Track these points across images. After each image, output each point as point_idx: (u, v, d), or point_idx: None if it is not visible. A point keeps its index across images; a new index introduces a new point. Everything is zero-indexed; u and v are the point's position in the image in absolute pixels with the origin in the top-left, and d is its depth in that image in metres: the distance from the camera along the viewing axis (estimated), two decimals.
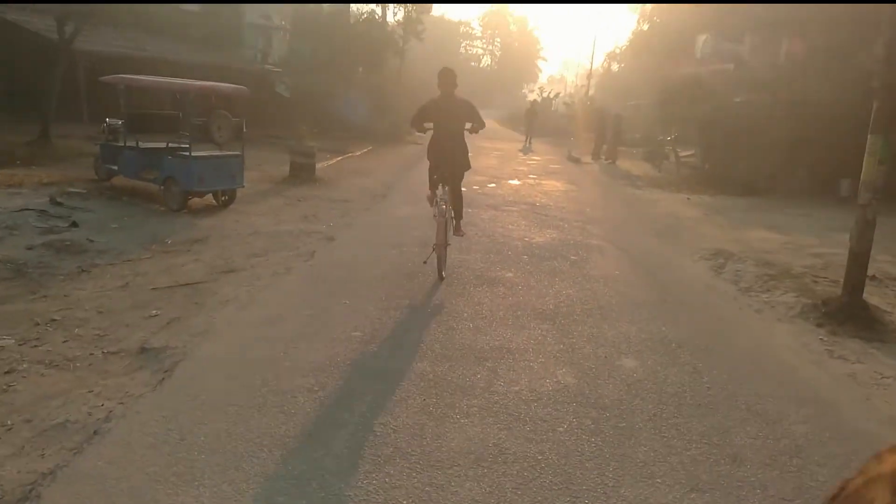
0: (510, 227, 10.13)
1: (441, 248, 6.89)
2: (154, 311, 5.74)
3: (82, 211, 9.14)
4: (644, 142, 26.87)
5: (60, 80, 15.07)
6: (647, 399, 4.43)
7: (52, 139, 15.06)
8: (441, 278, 6.87)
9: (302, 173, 13.74)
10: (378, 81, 30.50)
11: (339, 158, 18.56)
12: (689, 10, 38.56)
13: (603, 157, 23.05)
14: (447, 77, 7.00)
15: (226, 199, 10.57)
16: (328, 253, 7.85)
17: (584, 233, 10.12)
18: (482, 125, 7.27)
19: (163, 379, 4.32)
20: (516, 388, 4.44)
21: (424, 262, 7.01)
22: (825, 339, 5.98)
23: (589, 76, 47.87)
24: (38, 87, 15.35)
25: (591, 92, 49.86)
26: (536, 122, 28.54)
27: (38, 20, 17.58)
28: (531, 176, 17.08)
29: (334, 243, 8.36)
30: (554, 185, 15.66)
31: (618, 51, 57.87)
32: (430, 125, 7.14)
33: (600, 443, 3.81)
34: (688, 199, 14.91)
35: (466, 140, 7.27)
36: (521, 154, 23.45)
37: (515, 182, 15.66)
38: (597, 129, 23.77)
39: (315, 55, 28.53)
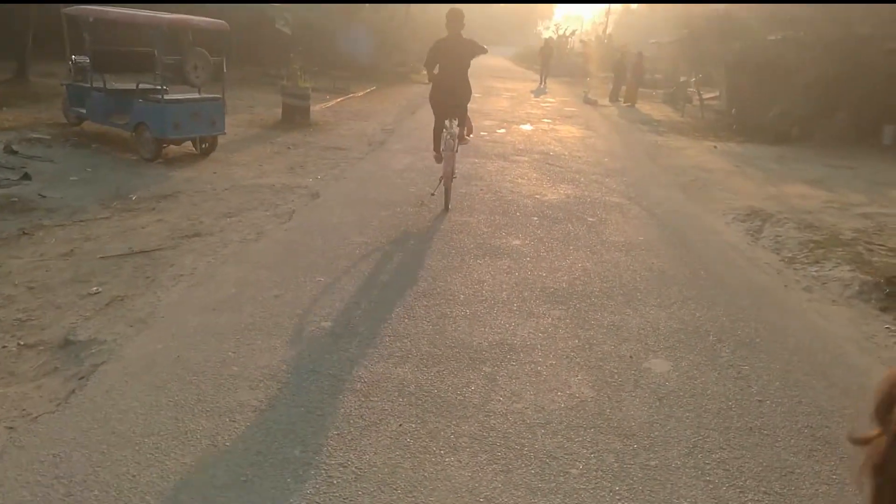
0: (520, 181, 9.05)
1: (448, 179, 7.29)
2: (95, 288, 4.83)
3: (40, 161, 8.15)
4: (665, 83, 25.29)
5: (36, 13, 13.85)
6: (683, 420, 3.48)
7: (29, 78, 13.97)
8: (447, 209, 7.23)
9: (295, 117, 12.61)
10: (385, 16, 28.78)
11: (339, 99, 17.33)
12: None
13: (621, 99, 21.60)
14: (455, 18, 7.24)
15: (206, 147, 9.53)
16: (309, 213, 6.85)
17: (603, 188, 9.02)
18: (484, 51, 7.63)
19: (73, 391, 3.42)
20: (519, 406, 3.50)
21: (432, 194, 7.53)
22: (893, 328, 4.97)
23: (607, 13, 45.45)
24: (14, 22, 14.14)
25: (608, 30, 47.47)
26: (552, 62, 26.84)
27: None
28: (545, 120, 15.82)
29: (318, 201, 7.34)
30: (569, 130, 14.42)
31: None
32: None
33: (626, 493, 2.88)
34: (714, 147, 13.67)
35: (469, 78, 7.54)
36: (534, 95, 22.03)
37: (528, 127, 14.44)
38: (615, 70, 22.21)
39: None
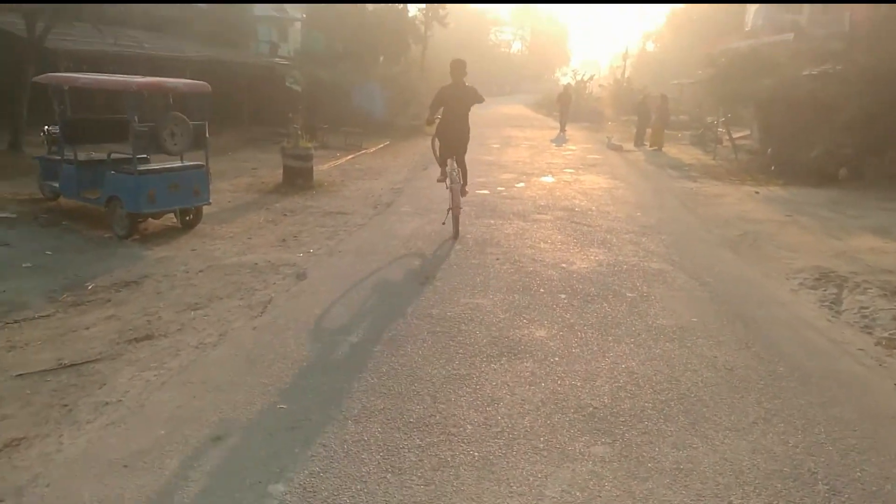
0: (542, 245, 7.81)
1: (456, 209, 8.00)
2: None
3: None
4: (691, 124, 24.13)
5: (30, 83, 13.21)
6: None
7: (23, 149, 13.25)
8: (456, 237, 7.93)
9: (297, 179, 11.62)
10: (399, 70, 28.27)
11: (349, 157, 16.42)
12: None
13: (647, 143, 20.43)
14: (458, 67, 8.06)
15: (190, 219, 8.50)
16: (288, 303, 5.67)
17: (640, 250, 7.74)
18: (481, 100, 8.25)
19: None
20: None
21: (443, 224, 8.17)
22: None
23: (625, 56, 44.79)
24: (10, 92, 13.53)
25: (626, 73, 46.77)
26: (571, 108, 25.86)
27: (10, 17, 15.77)
28: (567, 170, 14.66)
29: (303, 285, 6.17)
30: (595, 181, 13.22)
31: (654, 30, 54.71)
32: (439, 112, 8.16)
33: None
34: (756, 192, 12.35)
35: (470, 122, 8.21)
36: (554, 144, 20.95)
37: (549, 179, 13.27)
38: (639, 113, 21.11)
39: (330, 45, 26.41)
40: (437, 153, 8.37)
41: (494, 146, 19.09)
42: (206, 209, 8.91)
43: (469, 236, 8.10)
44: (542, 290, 6.09)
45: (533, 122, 31.78)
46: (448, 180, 8.05)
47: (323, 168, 14.48)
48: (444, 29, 36.72)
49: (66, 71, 15.67)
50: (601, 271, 6.79)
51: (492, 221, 8.96)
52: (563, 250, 7.60)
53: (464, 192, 8.31)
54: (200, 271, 6.67)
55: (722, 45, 29.01)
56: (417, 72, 30.66)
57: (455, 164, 8.08)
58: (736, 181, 13.95)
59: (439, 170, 8.33)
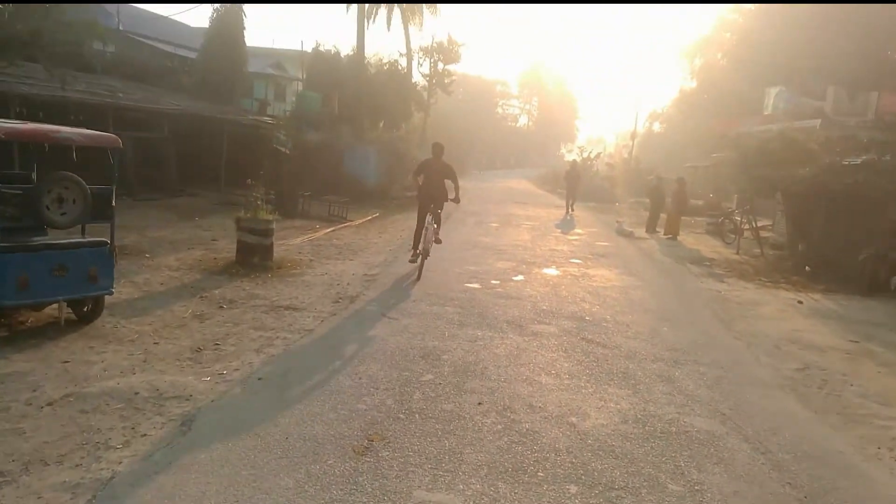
0: (544, 380, 5.74)
1: (426, 253, 9.81)
2: None
3: None
4: (706, 211, 22.40)
5: None
6: None
7: None
8: (418, 278, 9.44)
9: (253, 257, 9.68)
10: (398, 136, 26.87)
11: (328, 230, 14.56)
12: (747, 65, 34.46)
13: (660, 230, 18.62)
14: (437, 149, 10.56)
15: (87, 311, 6.50)
16: (141, 485, 3.58)
17: (675, 393, 5.67)
18: (457, 197, 10.86)
19: None
20: None
21: (409, 261, 10.18)
22: None
23: (633, 135, 43.78)
24: None
25: (633, 152, 45.74)
26: (579, 187, 24.19)
27: None
28: (574, 260, 12.72)
29: (182, 442, 4.09)
30: (606, 276, 11.26)
31: (660, 111, 54.13)
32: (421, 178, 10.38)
33: None
34: (799, 302, 10.36)
35: (447, 188, 10.52)
36: (559, 226, 19.15)
37: (552, 272, 11.32)
38: (653, 197, 19.36)
39: (326, 106, 25.07)
40: (415, 237, 10.24)
41: (493, 225, 17.27)
42: (123, 293, 6.94)
43: (446, 357, 6.06)
44: (540, 474, 4.00)
45: (537, 198, 30.18)
46: (424, 229, 9.94)
47: (294, 242, 12.60)
48: (449, 97, 35.73)
49: (17, 118, 14.00)
50: (627, 434, 4.70)
51: (479, 333, 6.92)
52: (573, 390, 5.53)
53: (437, 239, 10.47)
54: (50, 403, 4.61)
55: (738, 127, 27.78)
56: (418, 139, 29.35)
57: (431, 218, 10.05)
58: (768, 283, 11.99)
59: (420, 249, 9.94)
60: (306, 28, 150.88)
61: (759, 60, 31.11)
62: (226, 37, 22.53)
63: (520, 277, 10.39)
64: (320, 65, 27.70)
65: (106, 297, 6.54)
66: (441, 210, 10.37)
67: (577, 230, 18.08)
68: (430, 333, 6.76)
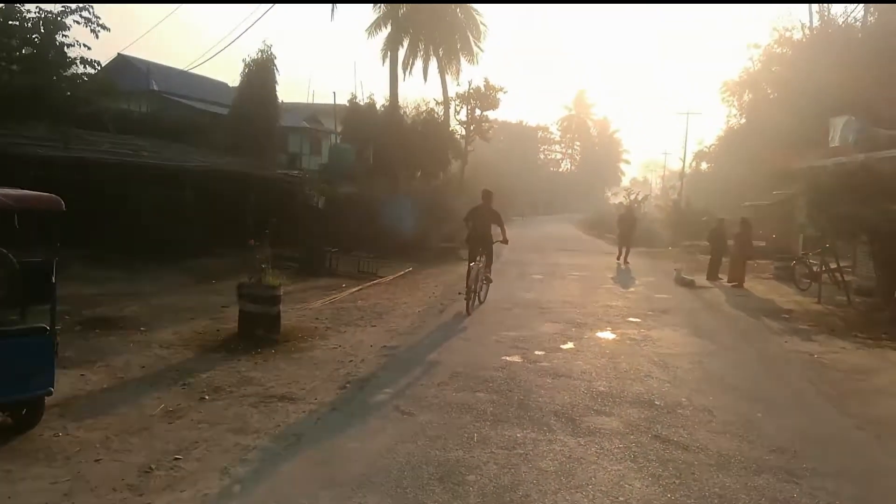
0: None
1: (470, 291, 10.52)
2: None
3: None
4: (773, 253, 20.26)
5: None
6: None
7: None
8: (468, 313, 10.34)
9: (257, 329, 8.30)
10: (436, 186, 25.71)
11: (355, 289, 13.17)
12: (803, 97, 32.42)
13: (723, 277, 16.66)
14: (487, 195, 11.49)
15: (24, 416, 5.14)
16: None
17: None
18: (503, 227, 11.76)
19: None
20: None
21: (459, 294, 11.25)
22: None
23: (681, 175, 41.76)
24: None
25: (682, 192, 43.66)
26: (634, 232, 21.98)
27: None
28: (632, 319, 10.96)
29: None
30: (673, 339, 9.46)
31: (706, 149, 51.92)
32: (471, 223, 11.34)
33: None
34: None
35: (493, 232, 11.61)
36: (612, 276, 17.39)
37: (608, 335, 9.60)
38: (713, 240, 17.44)
39: (360, 158, 24.16)
40: (467, 277, 10.65)
41: (537, 277, 15.65)
42: (90, 383, 5.60)
43: (472, 478, 4.44)
44: None
45: (584, 244, 28.45)
46: (471, 268, 10.63)
47: (314, 306, 11.22)
48: (489, 144, 34.67)
49: (35, 180, 13.17)
50: None
51: (518, 435, 5.27)
52: None
53: (487, 280, 11.44)
54: None
55: (798, 162, 25.69)
56: (455, 188, 28.14)
57: (480, 260, 10.87)
58: (868, 340, 9.98)
59: (464, 304, 10.56)
60: (343, 81, 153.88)
61: (818, 91, 29.11)
62: (257, 90, 21.91)
63: (569, 345, 8.70)
64: (356, 117, 27.01)
65: (67, 394, 5.19)
66: (490, 252, 11.47)
67: (633, 280, 16.26)
68: (452, 437, 5.15)
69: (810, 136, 29.46)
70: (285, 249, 16.75)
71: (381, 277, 14.99)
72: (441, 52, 31.16)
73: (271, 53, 21.86)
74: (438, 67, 31.26)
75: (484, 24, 31.91)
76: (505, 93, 29.46)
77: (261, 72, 22.14)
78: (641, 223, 31.21)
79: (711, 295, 14.50)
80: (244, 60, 21.98)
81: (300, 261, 15.71)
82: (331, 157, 24.52)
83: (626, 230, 20.90)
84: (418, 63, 31.42)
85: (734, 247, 16.16)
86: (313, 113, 29.47)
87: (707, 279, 16.91)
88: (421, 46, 31.39)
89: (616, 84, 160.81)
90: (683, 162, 45.95)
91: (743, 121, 44.16)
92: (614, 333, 9.68)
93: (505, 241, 11.72)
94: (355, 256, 16.40)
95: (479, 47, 31.73)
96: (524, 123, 75.87)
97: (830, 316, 12.16)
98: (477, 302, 10.90)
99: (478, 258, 10.84)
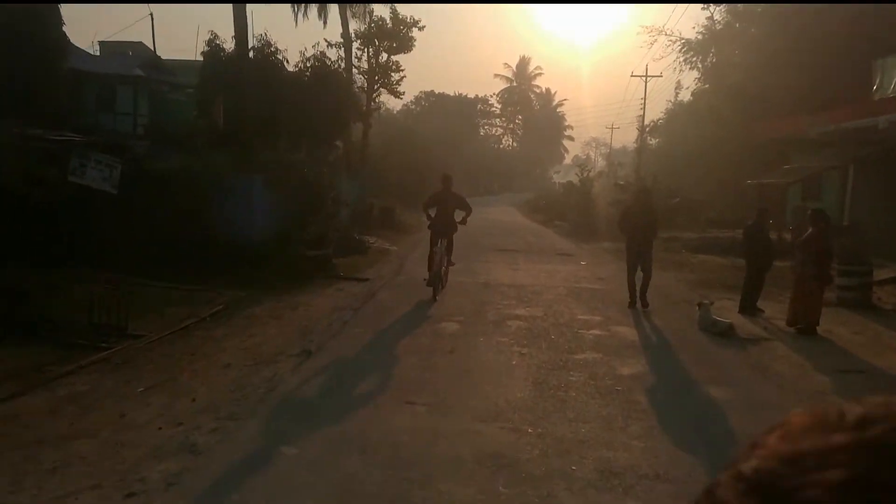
0: None
1: (435, 276, 9.81)
2: None
3: None
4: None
5: None
6: None
7: None
8: (435, 299, 9.57)
9: None
10: (320, 159, 17.72)
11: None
12: (789, 53, 25.77)
13: (763, 309, 9.49)
14: (447, 179, 10.59)
15: None
16: None
17: None
18: (469, 210, 10.67)
19: None
20: None
21: (424, 280, 9.89)
22: None
23: (639, 148, 34.85)
24: None
25: (640, 166, 37.00)
26: (655, 238, 10.43)
27: None
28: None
29: None
30: None
31: (657, 123, 45.40)
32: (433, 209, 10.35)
33: None
34: None
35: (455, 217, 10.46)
36: (583, 313, 9.93)
37: None
38: (751, 247, 9.93)
39: (208, 119, 16.00)
40: (428, 261, 10.21)
41: (446, 335, 7.95)
42: None
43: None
44: None
45: (530, 238, 21.02)
46: (434, 252, 10.12)
47: None
48: (399, 101, 26.75)
49: None
50: None
51: None
52: None
53: (449, 263, 10.66)
54: None
55: (800, 125, 18.94)
56: (357, 159, 20.35)
57: (442, 244, 10.22)
58: None
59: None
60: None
61: (819, 40, 22.46)
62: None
63: None
64: (217, 66, 18.62)
65: None
66: (452, 237, 10.53)
67: (624, 327, 8.69)
68: None
69: (810, 94, 22.88)
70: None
71: (129, 339, 7.11)
72: None
73: None
74: (339, 7, 23.07)
75: None
76: (420, 28, 21.61)
77: None
78: (602, 209, 24.13)
79: (786, 366, 7.14)
80: None
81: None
82: (154, 113, 16.34)
83: (642, 234, 9.91)
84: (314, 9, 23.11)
85: (801, 262, 8.71)
86: (156, 59, 20.82)
87: (740, 312, 9.66)
88: None
89: (561, 55, 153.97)
90: (643, 130, 39.14)
91: (707, 86, 37.68)
92: None
93: (463, 223, 10.69)
94: (139, 283, 8.60)
95: None
96: (465, 96, 68.16)
97: None
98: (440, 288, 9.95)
99: (440, 241, 10.17)
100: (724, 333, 8.20)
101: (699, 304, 8.66)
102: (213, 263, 11.39)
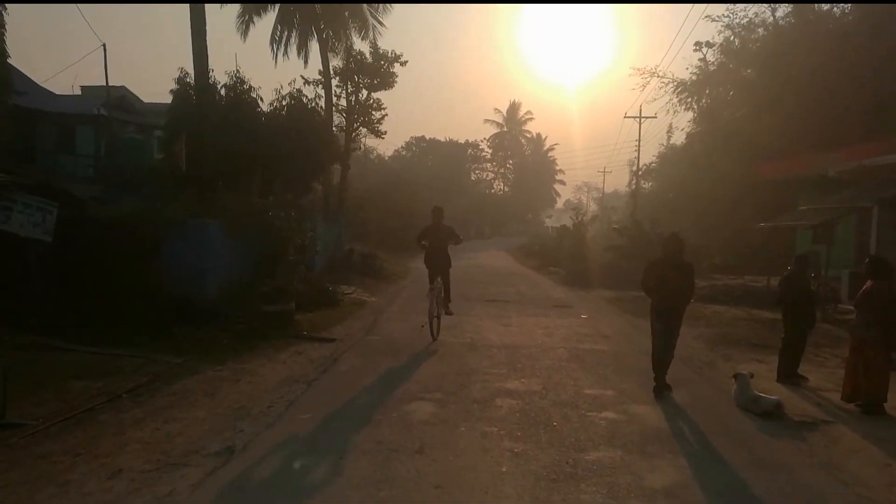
0: None
1: (433, 317, 9.84)
2: None
3: None
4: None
5: None
6: None
7: None
8: (434, 339, 9.74)
9: None
10: (290, 203, 16.11)
11: None
12: (788, 95, 24.67)
13: (805, 376, 7.75)
14: (438, 212, 10.48)
15: None
16: None
17: None
18: (459, 241, 10.55)
19: None
20: None
21: (422, 326, 9.85)
22: None
23: (636, 179, 33.46)
24: None
25: (636, 210, 35.60)
26: (685, 303, 7.36)
27: None
28: None
29: None
30: None
31: (650, 166, 44.41)
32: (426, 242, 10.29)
33: None
34: None
35: (450, 251, 10.44)
36: (590, 406, 8.18)
37: None
38: (790, 297, 8.15)
39: (172, 160, 14.41)
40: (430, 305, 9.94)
41: (423, 415, 6.17)
42: None
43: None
44: None
45: (524, 285, 19.33)
46: (432, 294, 9.98)
47: None
48: (419, 163, 25.43)
49: None
50: None
51: None
52: None
53: (448, 311, 10.42)
54: None
55: (817, 161, 17.51)
56: (336, 202, 18.76)
57: (440, 280, 10.13)
58: None
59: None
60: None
61: (817, 83, 21.30)
62: None
63: None
64: (185, 105, 17.15)
65: None
66: (448, 275, 10.47)
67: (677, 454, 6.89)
68: None
69: (813, 135, 21.63)
70: None
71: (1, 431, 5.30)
72: (322, 26, 21.76)
73: None
74: (319, 45, 21.84)
75: None
76: (403, 64, 20.30)
77: None
78: (600, 255, 22.52)
79: (874, 470, 5.35)
80: None
81: None
82: (115, 155, 14.78)
83: (676, 297, 7.22)
84: (292, 41, 21.91)
85: (864, 323, 6.91)
86: (122, 96, 19.36)
87: (779, 381, 7.92)
88: (297, 19, 22.02)
89: (550, 98, 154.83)
90: (637, 172, 37.95)
91: (699, 129, 36.63)
92: None
93: (455, 243, 10.57)
94: (57, 347, 6.85)
95: (377, 20, 22.50)
96: (456, 141, 67.48)
97: None
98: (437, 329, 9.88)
99: (437, 279, 10.17)
100: (772, 414, 6.44)
101: (735, 376, 6.91)
102: (155, 321, 9.66)
